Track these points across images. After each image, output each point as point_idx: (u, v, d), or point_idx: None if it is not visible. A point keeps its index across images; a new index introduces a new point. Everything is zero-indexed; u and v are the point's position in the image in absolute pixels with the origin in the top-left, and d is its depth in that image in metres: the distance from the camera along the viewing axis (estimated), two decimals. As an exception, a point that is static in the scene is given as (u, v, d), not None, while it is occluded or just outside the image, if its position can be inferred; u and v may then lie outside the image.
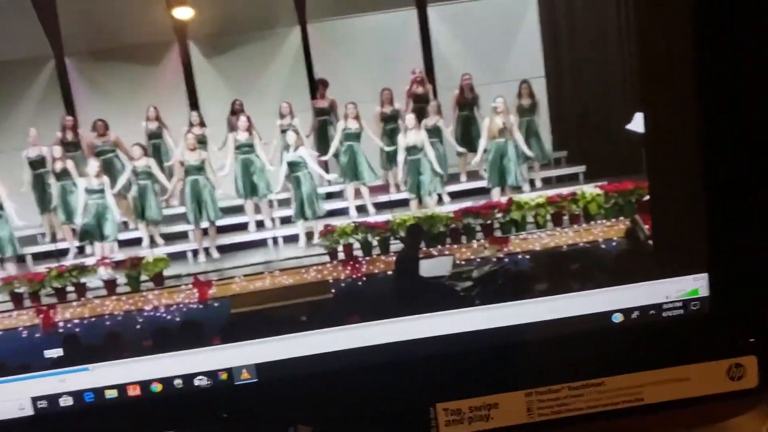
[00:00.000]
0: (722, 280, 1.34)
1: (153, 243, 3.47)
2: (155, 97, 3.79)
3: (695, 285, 1.36)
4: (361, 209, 3.49)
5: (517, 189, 3.37)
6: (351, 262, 2.46)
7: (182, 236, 3.51)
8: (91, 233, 3.33)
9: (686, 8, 1.25)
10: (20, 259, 3.29)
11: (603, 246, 1.91)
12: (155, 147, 3.65)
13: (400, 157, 3.45)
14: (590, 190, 2.87)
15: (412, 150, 3.41)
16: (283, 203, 3.53)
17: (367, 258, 2.65)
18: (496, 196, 3.31)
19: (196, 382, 1.33)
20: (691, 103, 1.27)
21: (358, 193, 3.55)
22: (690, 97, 1.27)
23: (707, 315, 1.36)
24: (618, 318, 1.37)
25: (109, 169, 3.56)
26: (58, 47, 3.88)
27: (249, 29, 3.86)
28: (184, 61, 3.90)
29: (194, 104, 3.83)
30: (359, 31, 3.97)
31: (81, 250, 3.38)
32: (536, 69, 3.92)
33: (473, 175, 3.67)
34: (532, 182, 3.52)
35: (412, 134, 3.41)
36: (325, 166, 3.63)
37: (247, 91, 3.75)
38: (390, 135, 3.65)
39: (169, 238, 3.52)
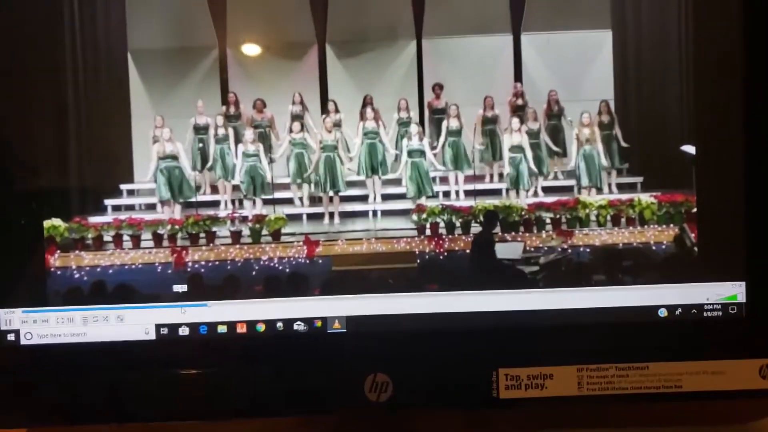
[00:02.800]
0: (758, 288, 1.29)
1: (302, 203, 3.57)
2: (295, 86, 4.00)
3: (734, 291, 1.30)
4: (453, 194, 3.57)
5: (599, 190, 3.35)
6: (435, 238, 2.43)
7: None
8: (247, 189, 3.46)
9: (736, 51, 1.25)
10: (189, 205, 3.44)
11: (653, 248, 1.83)
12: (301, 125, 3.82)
13: (505, 154, 3.51)
14: (646, 198, 2.79)
15: (514, 149, 3.46)
16: (387, 183, 3.59)
17: (450, 236, 2.63)
18: (584, 194, 3.30)
19: (295, 326, 1.33)
20: (737, 132, 1.25)
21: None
22: (736, 128, 1.25)
23: (743, 318, 1.30)
24: (663, 313, 1.32)
25: (262, 139, 3.72)
26: (222, 38, 4.07)
27: (375, 39, 4.03)
28: (321, 60, 4.09)
29: (325, 95, 4.01)
30: (464, 48, 4.09)
31: (239, 203, 3.52)
32: (607, 92, 3.91)
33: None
34: (609, 186, 3.51)
35: (516, 136, 3.49)
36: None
37: (369, 88, 3.90)
38: (488, 135, 3.73)
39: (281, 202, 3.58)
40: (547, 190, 3.54)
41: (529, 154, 3.48)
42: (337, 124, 3.67)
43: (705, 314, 1.31)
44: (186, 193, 3.43)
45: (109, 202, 3.41)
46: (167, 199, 3.34)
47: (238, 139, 3.69)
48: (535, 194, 3.45)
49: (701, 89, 1.34)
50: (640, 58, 3.91)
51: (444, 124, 3.68)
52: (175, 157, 3.48)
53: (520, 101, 3.85)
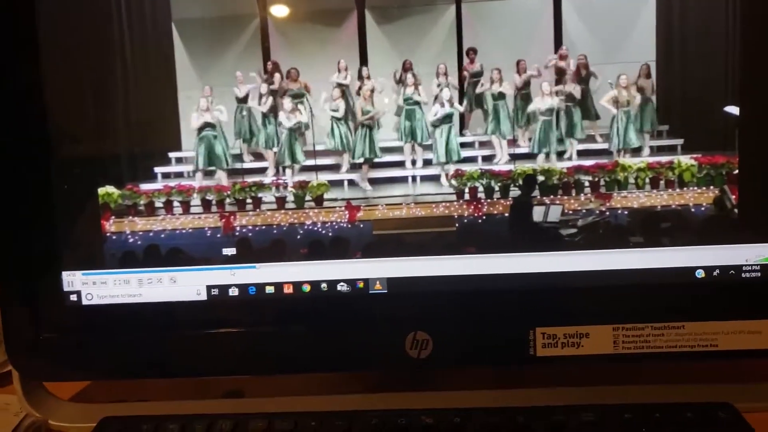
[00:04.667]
0: (799, 251, 1.22)
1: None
2: (336, 53, 3.95)
3: (774, 252, 1.30)
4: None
5: (637, 151, 3.28)
6: (474, 202, 2.42)
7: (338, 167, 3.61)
8: (285, 159, 3.48)
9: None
10: (235, 172, 3.47)
11: (693, 210, 1.80)
12: (342, 93, 3.82)
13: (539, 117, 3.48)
14: (686, 160, 2.70)
15: (545, 113, 3.41)
16: (426, 148, 3.58)
17: (489, 200, 2.62)
18: (619, 157, 3.26)
19: (338, 287, 1.36)
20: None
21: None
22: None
23: (783, 279, 1.29)
24: (700, 274, 1.31)
25: (300, 107, 3.73)
26: (263, 6, 4.05)
27: (414, 3, 3.97)
28: (360, 26, 4.04)
29: (364, 61, 3.98)
30: (503, 11, 3.99)
31: (277, 171, 3.54)
32: (649, 53, 3.80)
33: (591, 139, 3.65)
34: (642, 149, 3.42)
35: (548, 99, 3.43)
36: (463, 120, 3.67)
37: (407, 54, 3.85)
38: (522, 98, 3.68)
39: (330, 168, 3.61)
40: (584, 154, 3.54)
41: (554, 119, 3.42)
42: (372, 92, 3.66)
43: (743, 275, 1.30)
44: (224, 161, 3.45)
45: (158, 170, 3.48)
46: (203, 167, 3.38)
47: (276, 108, 3.64)
48: (570, 158, 3.40)
49: (746, 48, 1.30)
50: (684, 16, 3.79)
51: (487, 87, 3.63)
52: (212, 126, 3.48)
53: (562, 63, 3.80)
